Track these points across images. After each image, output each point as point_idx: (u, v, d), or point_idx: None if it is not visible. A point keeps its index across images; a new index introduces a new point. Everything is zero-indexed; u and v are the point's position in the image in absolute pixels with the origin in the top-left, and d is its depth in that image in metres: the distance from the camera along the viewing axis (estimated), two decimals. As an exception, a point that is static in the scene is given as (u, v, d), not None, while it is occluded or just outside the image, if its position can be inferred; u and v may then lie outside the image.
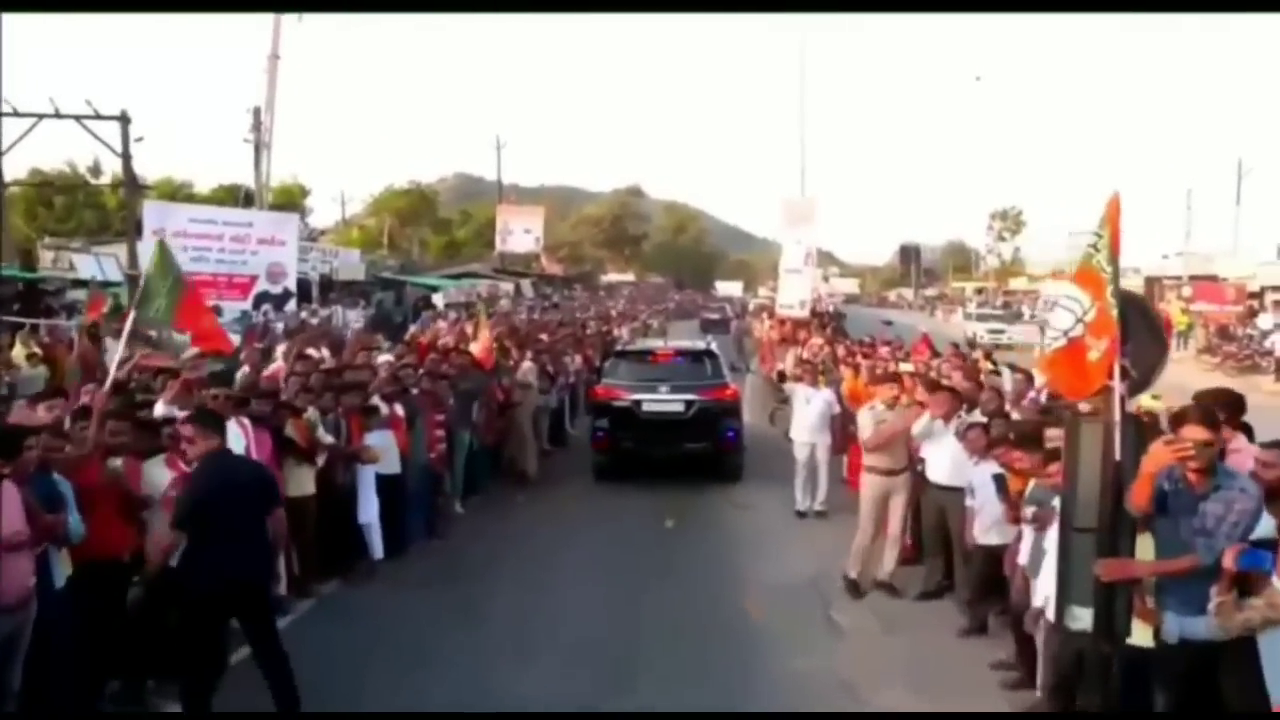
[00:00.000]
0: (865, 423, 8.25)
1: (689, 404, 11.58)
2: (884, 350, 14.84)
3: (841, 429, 10.74)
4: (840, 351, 15.65)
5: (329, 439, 7.59)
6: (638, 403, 11.64)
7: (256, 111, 22.62)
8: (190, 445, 5.13)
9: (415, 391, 9.13)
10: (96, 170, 41.27)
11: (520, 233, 51.01)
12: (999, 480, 6.49)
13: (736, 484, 12.14)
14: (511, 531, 10.01)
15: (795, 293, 18.05)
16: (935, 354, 14.42)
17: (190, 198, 43.24)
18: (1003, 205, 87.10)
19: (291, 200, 53.62)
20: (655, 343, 15.07)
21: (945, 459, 7.57)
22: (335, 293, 30.42)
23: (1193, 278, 40.74)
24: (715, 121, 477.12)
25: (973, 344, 24.41)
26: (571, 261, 75.03)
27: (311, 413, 7.50)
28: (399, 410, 8.52)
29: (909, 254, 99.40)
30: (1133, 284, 52.46)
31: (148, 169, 47.61)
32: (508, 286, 41.52)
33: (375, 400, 8.34)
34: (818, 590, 8.22)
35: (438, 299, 32.33)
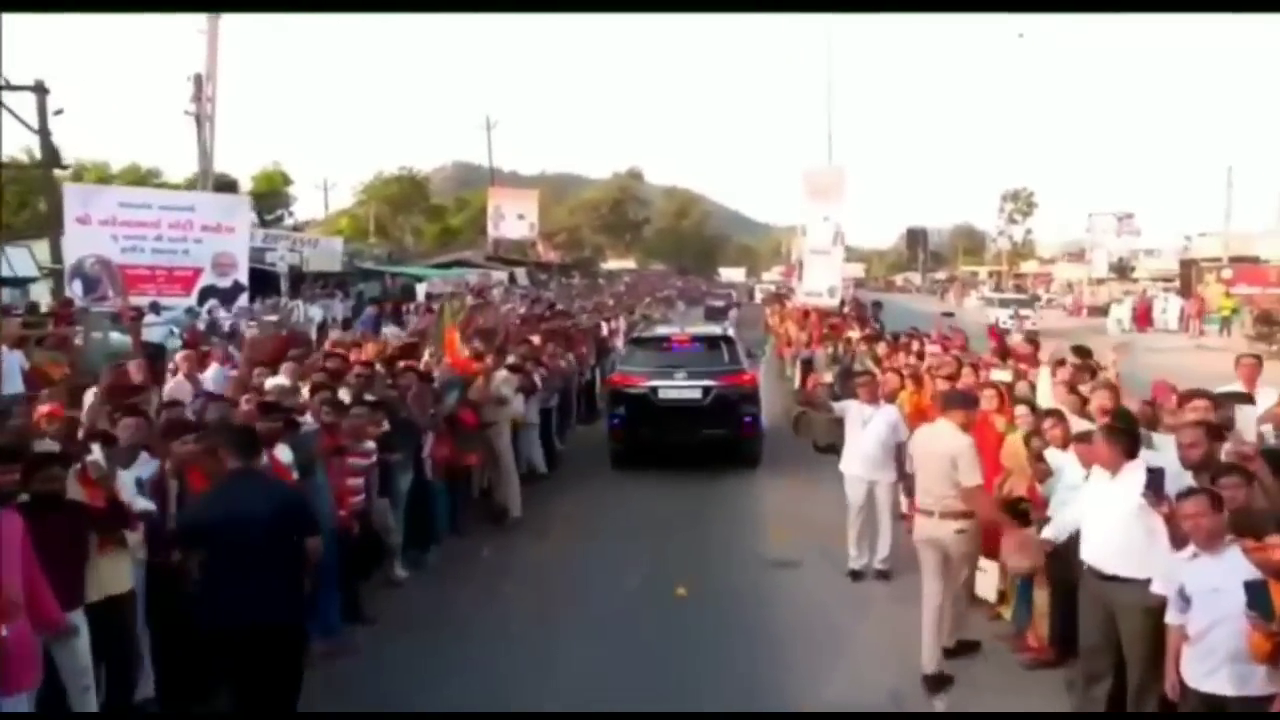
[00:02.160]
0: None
1: (706, 390, 11.24)
2: (933, 348, 12.04)
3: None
4: (880, 349, 12.91)
5: (143, 503, 4.89)
6: (654, 389, 11.32)
7: (198, 79, 19.81)
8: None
9: (312, 424, 6.36)
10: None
11: (513, 218, 47.90)
12: (1256, 591, 3.77)
13: (763, 529, 9.50)
14: (465, 610, 7.27)
15: (822, 278, 15.23)
16: (1005, 352, 11.69)
17: (161, 186, 40.38)
18: (1014, 186, 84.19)
19: (273, 188, 50.87)
20: (672, 329, 14.56)
21: (1116, 534, 4.84)
22: (306, 285, 27.70)
23: (1233, 259, 37.81)
24: (713, 105, 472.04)
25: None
26: (569, 248, 71.97)
27: (96, 457, 4.74)
28: (282, 456, 5.79)
29: (916, 237, 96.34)
30: (1161, 267, 49.74)
31: (112, 156, 44.58)
32: (500, 275, 38.67)
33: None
34: (901, 707, 5.55)
35: (421, 289, 29.66)
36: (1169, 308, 36.83)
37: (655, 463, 11.51)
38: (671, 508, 10.23)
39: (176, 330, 18.14)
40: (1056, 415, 6.13)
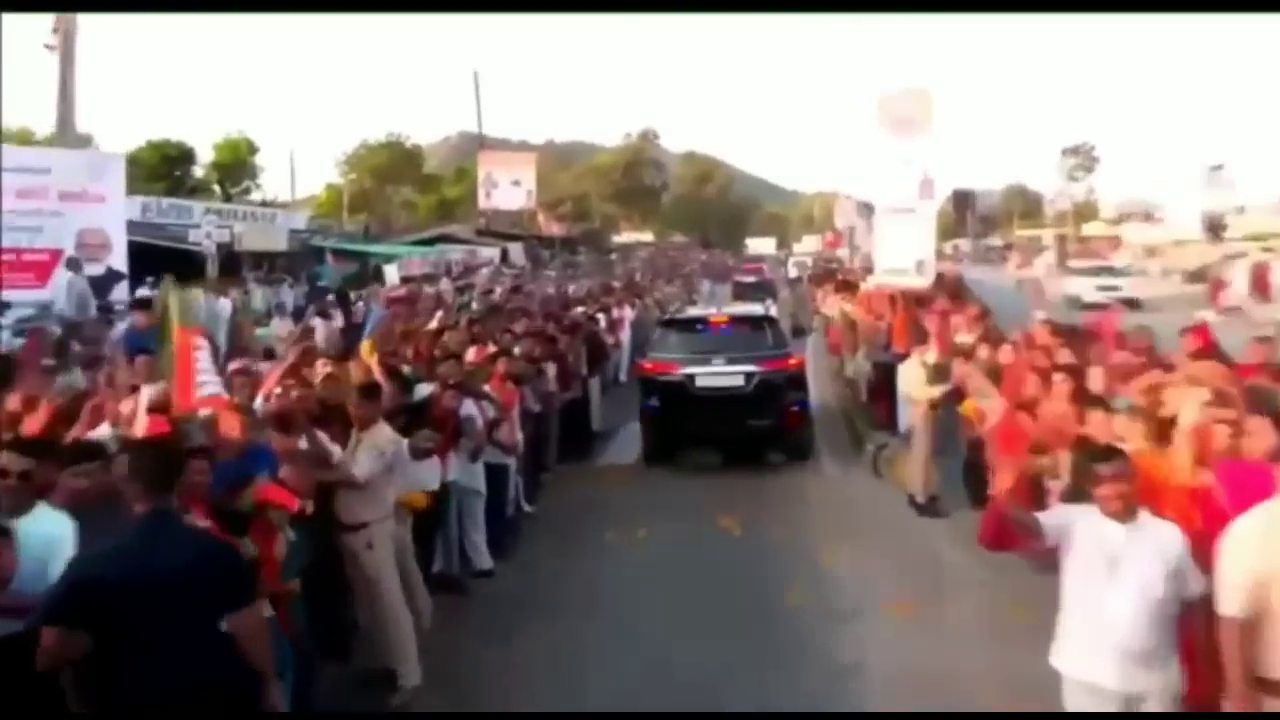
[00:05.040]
0: None
1: (749, 376, 10.70)
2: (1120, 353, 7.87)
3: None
4: (1005, 354, 8.76)
5: None
6: (690, 377, 10.79)
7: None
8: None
9: None
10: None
11: (508, 185, 43.60)
12: None
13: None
14: None
15: (906, 248, 10.88)
16: (1222, 358, 7.59)
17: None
18: (1073, 142, 79.08)
19: (237, 158, 47.05)
20: (707, 310, 13.64)
21: None
22: (246, 269, 23.79)
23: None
24: (731, 66, 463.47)
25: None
26: (576, 219, 67.52)
27: None
28: None
29: (964, 200, 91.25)
30: (1259, 226, 44.87)
31: (39, 124, 40.19)
32: (490, 252, 34.63)
33: None
34: None
35: (391, 270, 25.76)
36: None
37: (670, 515, 9.32)
38: (680, 655, 6.19)
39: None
40: None
